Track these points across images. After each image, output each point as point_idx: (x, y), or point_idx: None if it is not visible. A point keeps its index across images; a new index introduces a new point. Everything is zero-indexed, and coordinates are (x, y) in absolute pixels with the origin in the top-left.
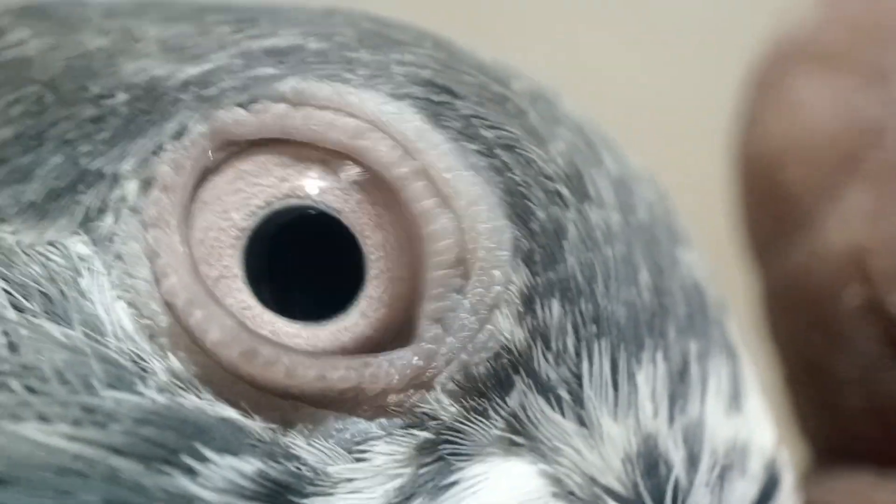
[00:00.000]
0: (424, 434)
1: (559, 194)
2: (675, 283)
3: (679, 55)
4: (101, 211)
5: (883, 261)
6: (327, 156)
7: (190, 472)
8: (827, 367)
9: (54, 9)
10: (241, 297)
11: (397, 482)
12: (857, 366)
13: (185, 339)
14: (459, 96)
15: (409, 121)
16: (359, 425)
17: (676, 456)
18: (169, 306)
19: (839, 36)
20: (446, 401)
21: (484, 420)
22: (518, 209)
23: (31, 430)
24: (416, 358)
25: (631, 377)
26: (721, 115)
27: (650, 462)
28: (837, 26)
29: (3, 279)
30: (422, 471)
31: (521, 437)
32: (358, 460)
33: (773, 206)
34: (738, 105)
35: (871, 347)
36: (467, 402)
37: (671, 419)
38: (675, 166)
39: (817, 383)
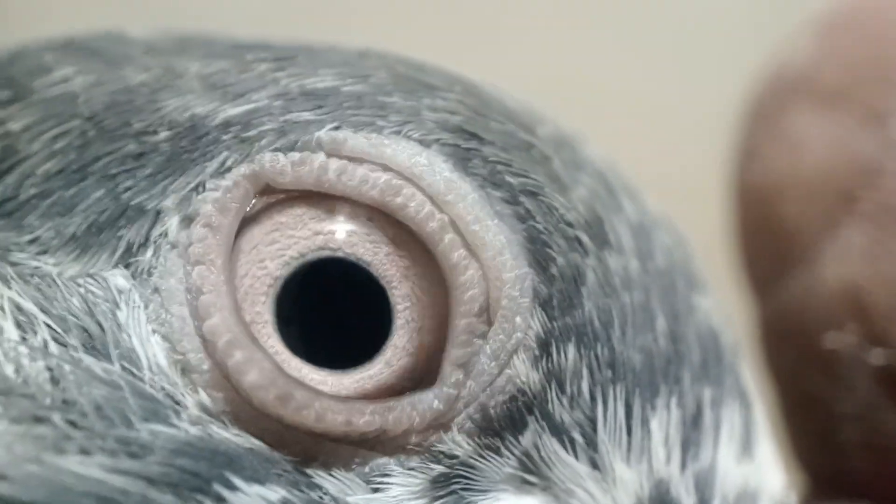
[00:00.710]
0: (439, 468)
1: (579, 241)
2: (690, 329)
3: (677, 79)
4: (142, 245)
5: (879, 299)
6: (360, 206)
7: (219, 500)
8: (824, 402)
9: (97, 46)
10: (271, 342)
11: None
12: (853, 403)
13: (218, 376)
14: (487, 142)
15: (439, 172)
16: (377, 459)
17: (688, 502)
18: (207, 344)
19: (838, 73)
20: (462, 439)
21: (497, 457)
22: (539, 256)
23: (72, 462)
24: (437, 402)
25: (645, 423)
26: (719, 140)
27: None
28: (837, 63)
29: (45, 312)
30: (436, 503)
31: (533, 477)
32: (375, 491)
33: (769, 241)
34: (736, 136)
35: (868, 386)
36: (481, 440)
37: (683, 465)
38: (671, 192)
39: (814, 417)
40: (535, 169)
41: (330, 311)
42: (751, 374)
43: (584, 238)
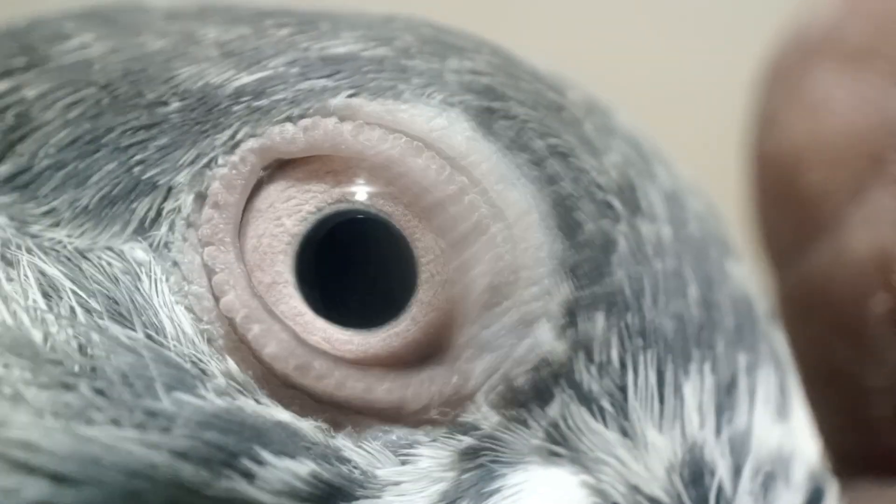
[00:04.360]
0: (467, 440)
1: (610, 206)
2: (724, 296)
3: (691, 48)
4: (156, 220)
5: None
6: (378, 168)
7: (248, 475)
8: (851, 375)
9: (118, 14)
10: (293, 303)
11: (441, 486)
12: (884, 376)
13: (243, 347)
14: (514, 101)
15: (459, 132)
16: (404, 430)
17: (722, 465)
18: (227, 320)
19: (863, 31)
20: (487, 410)
21: (523, 429)
22: (566, 221)
23: (101, 432)
24: (455, 376)
25: (678, 389)
26: (735, 111)
27: (695, 471)
28: (860, 20)
29: (70, 280)
30: (464, 476)
31: (561, 448)
32: (404, 463)
33: (792, 209)
34: (754, 101)
35: None
36: (507, 411)
37: (718, 430)
38: (686, 164)
39: (841, 392)
40: (565, 130)
41: (358, 274)
42: (784, 340)
43: (616, 203)
